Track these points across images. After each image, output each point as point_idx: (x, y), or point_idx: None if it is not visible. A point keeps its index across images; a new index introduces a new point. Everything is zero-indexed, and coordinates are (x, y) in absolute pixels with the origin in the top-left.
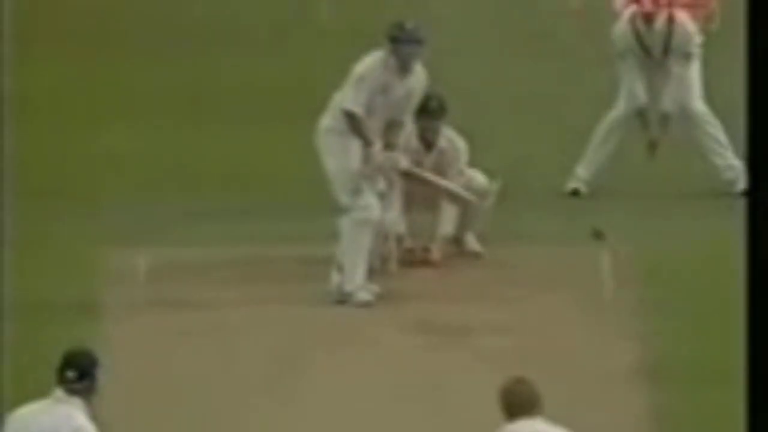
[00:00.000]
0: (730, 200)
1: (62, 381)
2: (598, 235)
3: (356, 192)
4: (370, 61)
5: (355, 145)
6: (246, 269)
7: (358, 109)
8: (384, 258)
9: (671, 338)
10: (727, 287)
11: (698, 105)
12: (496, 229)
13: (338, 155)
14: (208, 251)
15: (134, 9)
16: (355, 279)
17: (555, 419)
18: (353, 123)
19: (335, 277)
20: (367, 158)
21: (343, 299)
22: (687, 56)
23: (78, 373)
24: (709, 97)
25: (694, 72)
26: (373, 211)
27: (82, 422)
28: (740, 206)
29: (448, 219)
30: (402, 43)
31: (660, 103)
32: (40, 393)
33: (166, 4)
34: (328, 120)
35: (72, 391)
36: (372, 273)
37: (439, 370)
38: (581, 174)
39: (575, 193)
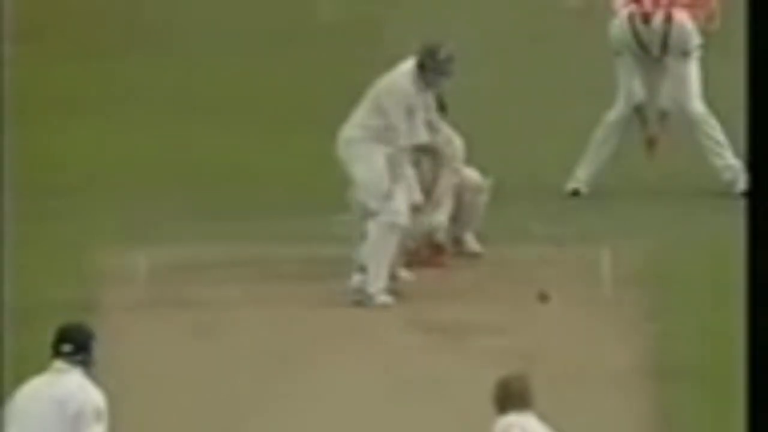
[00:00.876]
0: (730, 200)
1: (58, 355)
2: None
3: (387, 197)
4: (408, 89)
5: (380, 151)
6: (246, 269)
7: (424, 137)
8: None
9: (671, 338)
10: (727, 287)
11: (697, 105)
12: (495, 229)
13: (365, 162)
14: (209, 251)
15: (134, 8)
16: (379, 282)
17: (554, 419)
18: (424, 148)
19: (356, 276)
20: (393, 163)
21: (361, 299)
22: (685, 55)
23: (74, 346)
24: (709, 97)
25: (693, 71)
26: (402, 217)
27: (92, 389)
28: (740, 206)
29: (443, 210)
30: (430, 72)
31: (658, 100)
32: None
33: (166, 4)
34: (349, 131)
35: (70, 363)
36: None
37: (439, 370)
38: (581, 174)
39: (575, 193)
